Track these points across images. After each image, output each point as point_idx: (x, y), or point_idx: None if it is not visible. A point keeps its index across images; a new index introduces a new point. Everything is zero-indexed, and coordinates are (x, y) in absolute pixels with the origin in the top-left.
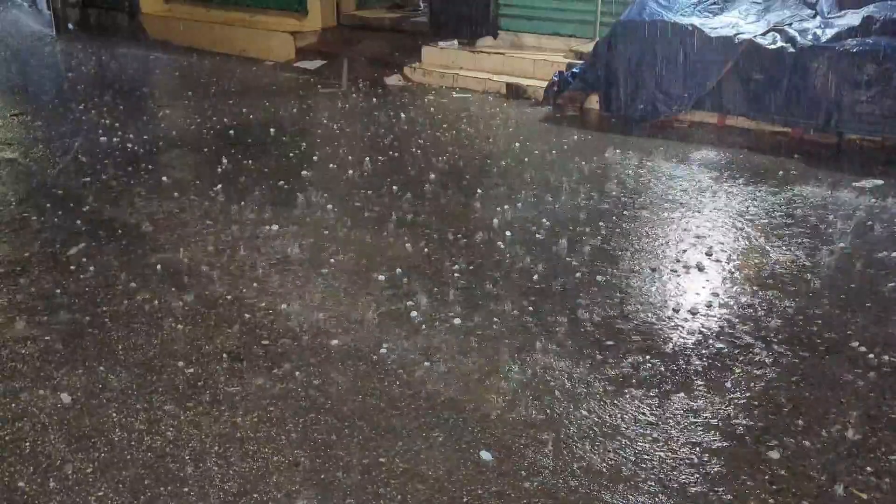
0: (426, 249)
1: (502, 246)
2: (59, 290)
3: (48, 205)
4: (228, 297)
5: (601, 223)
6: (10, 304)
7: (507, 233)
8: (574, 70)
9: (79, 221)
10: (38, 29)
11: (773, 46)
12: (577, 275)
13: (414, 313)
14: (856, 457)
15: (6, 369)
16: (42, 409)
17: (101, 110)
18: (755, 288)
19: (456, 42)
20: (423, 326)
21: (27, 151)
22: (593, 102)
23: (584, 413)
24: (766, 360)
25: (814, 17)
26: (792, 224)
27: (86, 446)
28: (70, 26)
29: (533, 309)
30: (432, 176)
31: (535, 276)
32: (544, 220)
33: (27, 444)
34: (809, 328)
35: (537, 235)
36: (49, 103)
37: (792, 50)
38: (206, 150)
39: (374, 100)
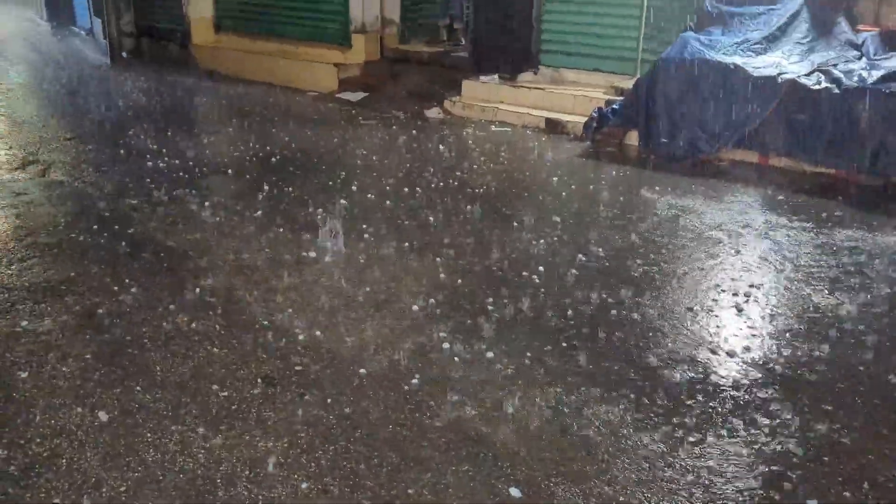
0: (460, 280)
1: (537, 280)
2: (101, 310)
3: (95, 226)
4: (265, 321)
5: (638, 260)
6: (55, 321)
7: (542, 268)
8: (614, 106)
9: (124, 243)
10: (95, 57)
11: (817, 87)
12: (613, 312)
13: (446, 345)
14: None
15: (47, 385)
16: (80, 426)
17: (150, 136)
18: (796, 331)
19: (496, 76)
20: (456, 358)
21: (78, 174)
22: (632, 139)
23: (616, 452)
24: (806, 407)
25: (859, 58)
26: (835, 268)
27: (120, 465)
28: (124, 55)
29: (566, 345)
30: (469, 208)
31: (570, 312)
32: (580, 255)
33: (64, 460)
34: (852, 375)
35: (573, 271)
36: (101, 128)
37: (837, 91)
38: (248, 176)
39: (414, 132)
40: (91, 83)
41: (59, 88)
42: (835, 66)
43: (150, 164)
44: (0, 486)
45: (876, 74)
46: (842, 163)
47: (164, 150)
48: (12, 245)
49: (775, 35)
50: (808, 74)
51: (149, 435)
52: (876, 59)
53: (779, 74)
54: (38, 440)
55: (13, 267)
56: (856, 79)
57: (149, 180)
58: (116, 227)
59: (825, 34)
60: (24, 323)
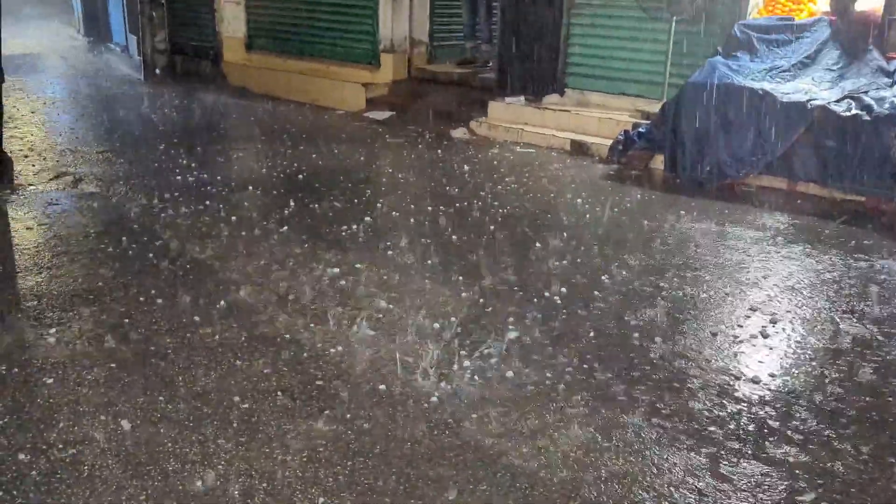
0: (482, 300)
1: (559, 301)
2: (127, 320)
3: (124, 238)
4: (287, 335)
5: (661, 284)
6: (81, 330)
7: (564, 289)
8: (640, 129)
9: (151, 255)
10: (128, 73)
11: (847, 114)
12: (635, 335)
13: (467, 363)
14: None
15: (72, 393)
16: (103, 434)
17: (180, 150)
18: (822, 360)
19: (522, 98)
20: (476, 377)
21: (109, 186)
22: (658, 162)
23: (635, 479)
24: (832, 437)
25: (891, 85)
26: (864, 296)
27: (141, 473)
28: (157, 71)
29: (587, 367)
30: (492, 227)
31: (592, 334)
32: (603, 277)
33: (85, 467)
34: (880, 406)
35: (595, 292)
36: (132, 142)
37: (867, 118)
38: (274, 192)
39: (439, 151)
40: (124, 98)
41: (93, 103)
42: (866, 92)
43: (179, 178)
44: (22, 491)
45: None
46: (872, 190)
47: (194, 165)
48: (43, 254)
49: (805, 62)
50: (838, 101)
51: (170, 445)
52: None
53: (808, 100)
54: (61, 446)
55: (43, 275)
56: (887, 106)
57: (177, 194)
58: (144, 239)
59: (856, 61)
60: (52, 330)
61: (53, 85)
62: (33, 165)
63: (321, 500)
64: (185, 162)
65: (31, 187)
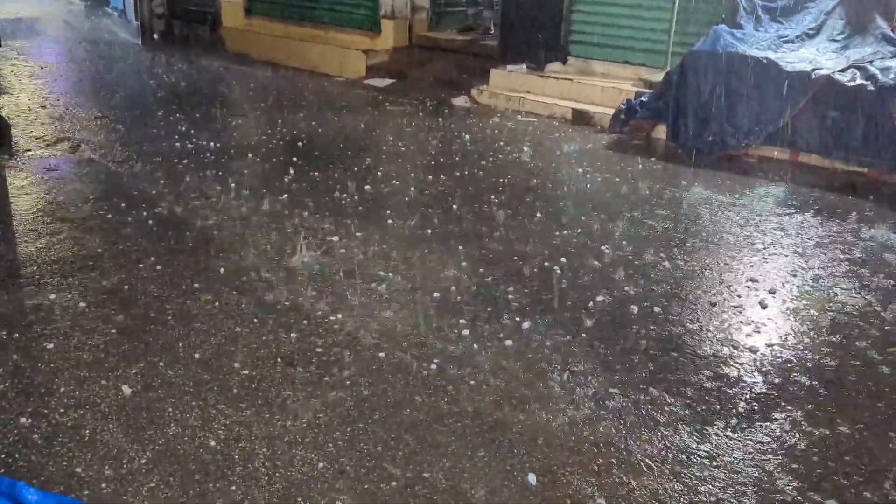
0: (482, 269)
1: (559, 271)
2: (126, 287)
3: (123, 204)
4: (286, 303)
5: (662, 254)
6: (82, 296)
7: (564, 259)
8: (642, 99)
9: (150, 221)
10: (126, 38)
11: (851, 84)
12: (634, 305)
13: (466, 332)
14: None
15: (73, 358)
16: (104, 398)
17: (179, 117)
18: (821, 330)
19: (524, 66)
20: (475, 346)
21: (107, 152)
22: (660, 132)
23: (633, 444)
24: (829, 405)
25: None
26: (864, 267)
27: (141, 438)
28: (155, 36)
29: (587, 336)
30: (492, 197)
31: (591, 304)
32: (604, 247)
33: (86, 431)
34: (876, 375)
35: (595, 262)
36: (131, 108)
37: (872, 88)
38: (274, 159)
39: (440, 120)
40: (122, 64)
41: (91, 68)
42: (870, 62)
43: (177, 144)
44: (23, 454)
45: None
46: (875, 161)
47: (192, 132)
48: (42, 220)
49: (809, 32)
50: (842, 70)
51: (171, 410)
52: None
53: (813, 70)
54: (62, 410)
55: (42, 241)
56: (892, 76)
57: (176, 160)
58: (143, 205)
59: (861, 31)
60: (52, 296)
61: (51, 49)
62: (31, 131)
63: (321, 464)
64: (183, 128)
65: (30, 153)
